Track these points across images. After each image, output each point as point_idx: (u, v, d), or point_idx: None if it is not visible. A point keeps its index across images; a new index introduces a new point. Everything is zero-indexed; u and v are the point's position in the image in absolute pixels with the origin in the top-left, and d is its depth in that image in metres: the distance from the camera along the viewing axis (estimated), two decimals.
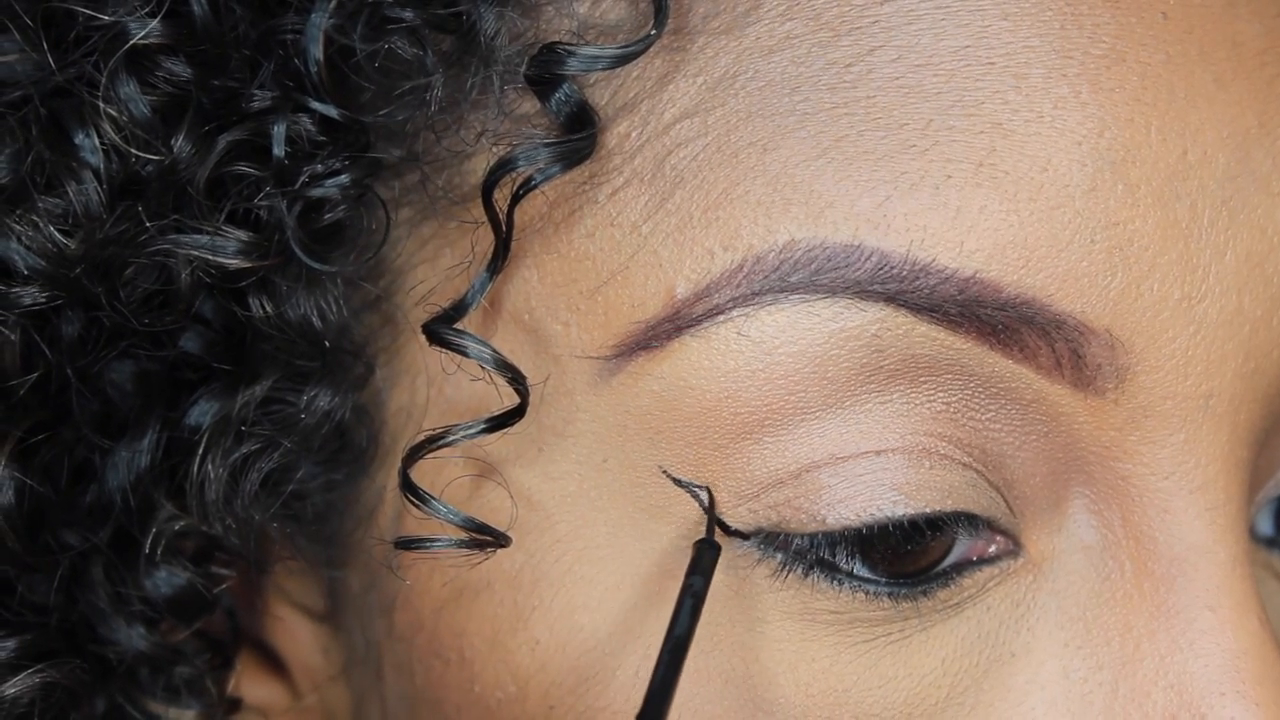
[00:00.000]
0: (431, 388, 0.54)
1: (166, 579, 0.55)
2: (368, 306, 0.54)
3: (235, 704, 0.58)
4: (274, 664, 0.60)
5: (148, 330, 0.52)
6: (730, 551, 0.51)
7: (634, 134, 0.51)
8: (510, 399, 0.51)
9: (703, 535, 0.51)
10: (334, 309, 0.53)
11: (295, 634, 0.59)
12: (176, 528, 0.54)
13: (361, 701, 0.59)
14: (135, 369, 0.54)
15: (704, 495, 0.51)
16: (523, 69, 0.50)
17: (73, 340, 0.52)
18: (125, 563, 0.55)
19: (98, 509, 0.54)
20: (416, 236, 0.53)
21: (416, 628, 0.55)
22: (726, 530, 0.51)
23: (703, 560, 0.49)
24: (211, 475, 0.53)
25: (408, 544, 0.52)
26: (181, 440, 0.54)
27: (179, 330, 0.53)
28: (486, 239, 0.52)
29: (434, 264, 0.53)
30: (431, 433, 0.51)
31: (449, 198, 0.53)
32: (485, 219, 0.51)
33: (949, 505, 0.51)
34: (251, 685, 0.60)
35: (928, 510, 0.50)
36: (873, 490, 0.50)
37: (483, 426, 0.51)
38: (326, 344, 0.52)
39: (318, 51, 0.50)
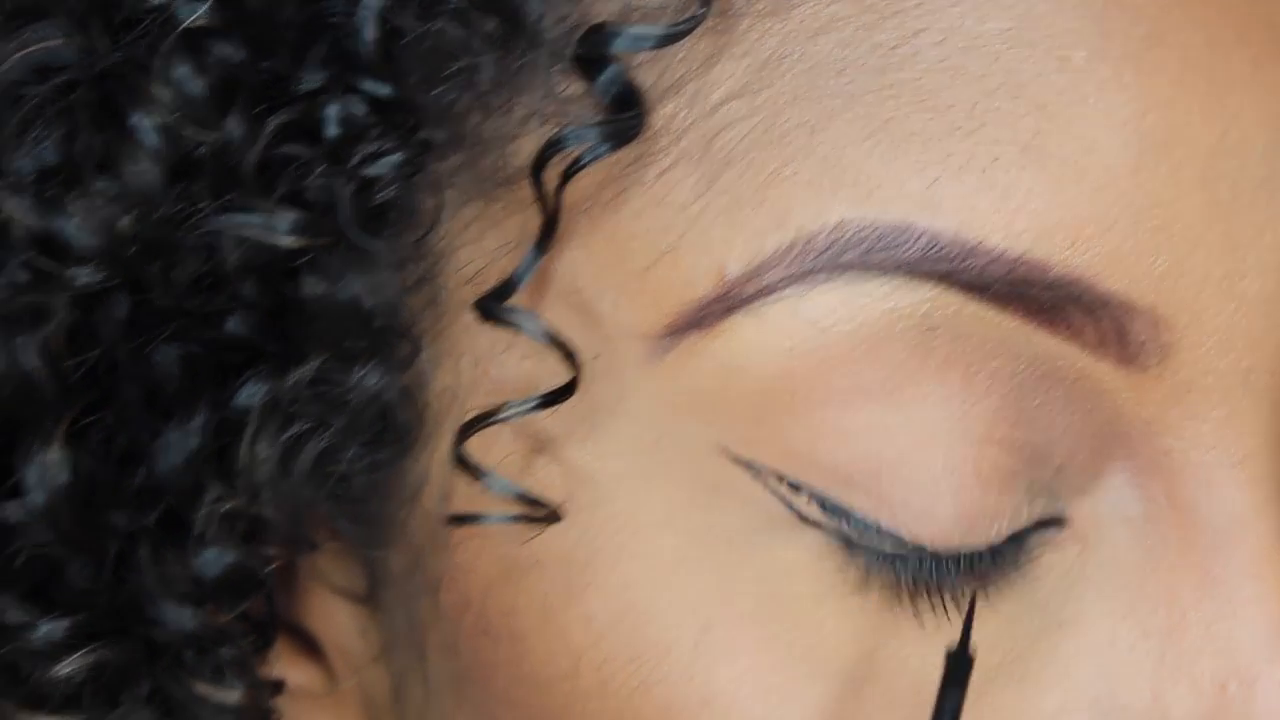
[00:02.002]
0: (477, 368, 0.54)
1: (215, 559, 0.55)
2: (411, 288, 0.55)
3: (279, 686, 0.59)
4: (309, 647, 0.61)
5: (196, 312, 0.53)
6: (797, 530, 0.52)
7: (681, 115, 0.51)
8: (559, 378, 0.52)
9: (761, 500, 0.52)
10: (383, 289, 0.53)
11: (332, 616, 0.60)
12: (225, 509, 0.54)
13: (401, 683, 0.59)
14: (182, 351, 0.54)
15: (774, 481, 0.51)
16: (570, 50, 0.51)
17: (121, 323, 0.53)
18: (173, 543, 0.55)
19: (146, 491, 0.55)
20: (459, 218, 0.54)
21: (464, 607, 0.55)
22: (802, 518, 0.51)
23: (958, 673, 0.50)
24: (262, 456, 0.53)
25: (460, 520, 0.52)
26: (230, 422, 0.54)
27: (225, 312, 0.54)
28: (532, 220, 0.52)
29: (478, 245, 0.54)
30: (484, 409, 0.52)
31: (493, 179, 0.53)
32: (532, 199, 0.52)
33: (1005, 532, 0.52)
34: (287, 668, 0.60)
35: (992, 541, 0.51)
36: (947, 521, 0.51)
37: (535, 402, 0.51)
38: (375, 323, 0.53)
39: (371, 31, 0.50)
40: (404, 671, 0.59)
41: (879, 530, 0.51)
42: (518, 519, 0.52)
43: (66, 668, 0.53)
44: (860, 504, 0.51)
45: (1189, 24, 0.51)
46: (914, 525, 0.51)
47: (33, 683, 0.54)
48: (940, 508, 0.51)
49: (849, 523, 0.51)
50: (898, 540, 0.51)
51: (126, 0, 0.51)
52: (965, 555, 0.52)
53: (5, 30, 0.51)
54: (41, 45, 0.51)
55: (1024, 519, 0.52)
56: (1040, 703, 0.52)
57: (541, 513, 0.52)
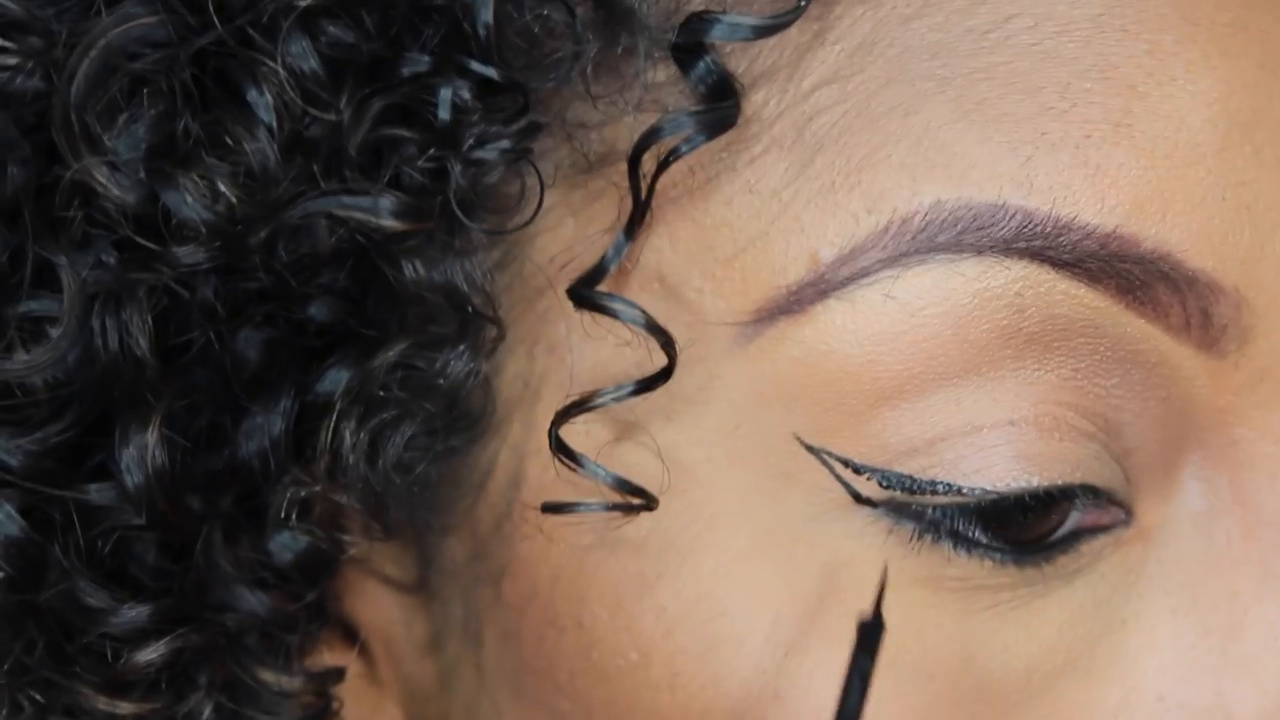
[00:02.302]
0: (552, 355, 0.54)
1: (290, 544, 0.55)
2: (495, 272, 0.54)
3: (340, 673, 0.58)
4: (349, 635, 0.60)
5: (285, 295, 0.52)
6: (861, 520, 0.52)
7: (772, 101, 0.51)
8: (641, 365, 0.52)
9: (832, 489, 0.52)
10: (474, 272, 0.53)
11: (376, 605, 0.59)
12: (303, 493, 0.54)
13: (451, 673, 0.59)
14: (268, 335, 0.53)
15: (840, 468, 0.51)
16: (669, 38, 0.51)
17: (210, 305, 0.52)
18: (248, 527, 0.54)
19: (226, 474, 0.54)
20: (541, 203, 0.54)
21: (530, 596, 0.55)
22: (858, 499, 0.52)
23: (869, 641, 0.49)
24: (348, 442, 0.53)
25: (555, 509, 0.52)
26: (313, 406, 0.54)
27: (312, 295, 0.53)
28: (614, 206, 0.52)
29: (556, 232, 0.54)
30: (577, 397, 0.51)
31: (579, 164, 0.53)
32: (616, 184, 0.52)
33: (1076, 477, 0.52)
34: (329, 656, 0.60)
35: (1059, 482, 0.51)
36: (1007, 462, 0.51)
37: (629, 389, 0.51)
38: (471, 308, 0.52)
39: (488, 14, 0.50)
40: (455, 661, 0.58)
41: (948, 517, 0.52)
42: (615, 507, 0.51)
43: (150, 654, 0.53)
44: (930, 490, 0.51)
45: (1270, 10, 0.52)
46: (974, 477, 0.51)
47: (115, 668, 0.53)
48: (997, 455, 0.51)
49: (918, 514, 0.52)
50: (961, 528, 0.52)
51: None
52: (1023, 544, 0.52)
53: (93, 8, 0.50)
54: (138, 21, 0.50)
55: (1084, 476, 0.52)
56: (1102, 700, 0.53)
57: (636, 500, 0.51)
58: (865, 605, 0.51)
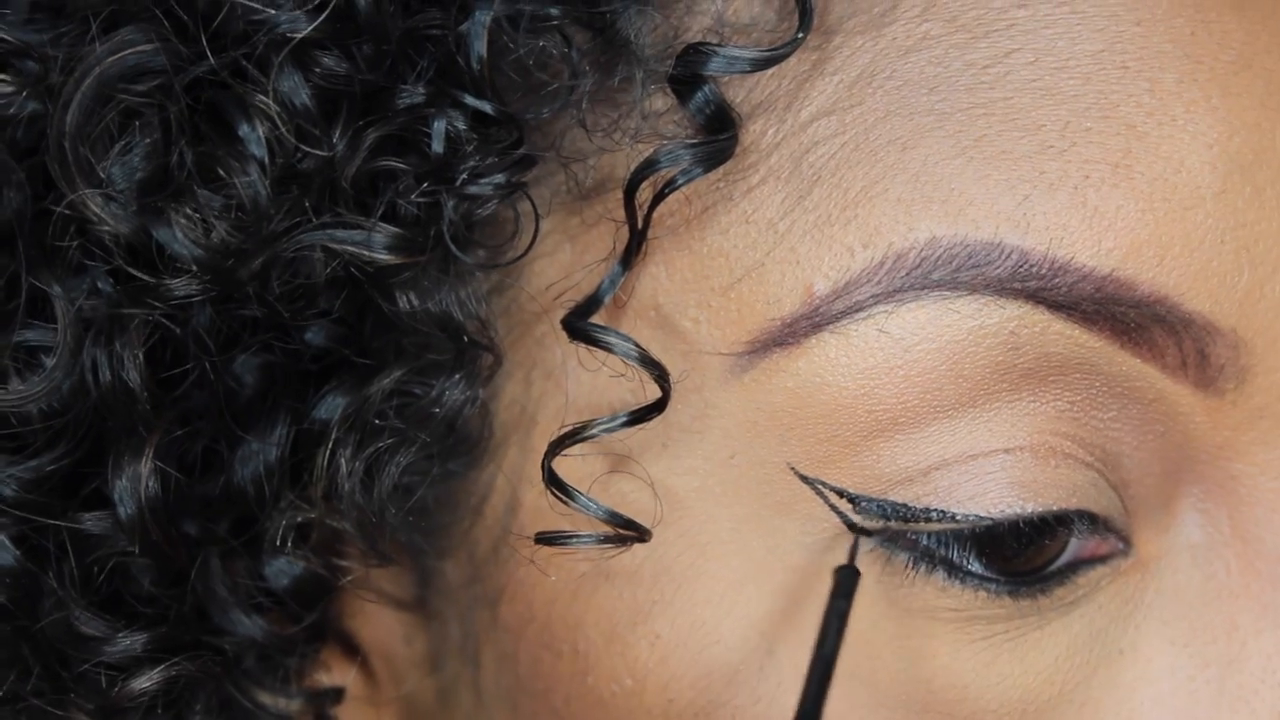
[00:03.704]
0: (548, 381, 0.54)
1: (286, 568, 0.55)
2: (490, 299, 0.54)
3: (339, 693, 0.58)
4: (349, 650, 0.60)
5: (280, 324, 0.52)
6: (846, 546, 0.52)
7: (770, 132, 0.51)
8: (637, 392, 0.51)
9: (827, 519, 0.52)
10: (470, 301, 0.53)
11: (376, 622, 0.59)
12: (300, 519, 0.54)
13: (450, 692, 0.59)
14: (262, 361, 0.53)
15: (835, 498, 0.51)
16: (666, 69, 0.51)
17: (205, 333, 0.52)
18: (243, 552, 0.55)
19: (221, 500, 0.54)
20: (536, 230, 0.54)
21: (526, 620, 0.55)
22: (853, 529, 0.51)
23: (845, 584, 0.50)
24: (345, 469, 0.53)
25: (549, 540, 0.52)
26: (309, 433, 0.54)
27: (307, 322, 0.53)
28: (610, 235, 0.52)
29: (552, 259, 0.53)
30: (570, 427, 0.51)
31: (574, 193, 0.53)
32: (611, 213, 0.52)
33: (1073, 504, 0.51)
34: (329, 672, 0.60)
35: (1055, 508, 0.51)
36: (1002, 488, 0.51)
37: (623, 420, 0.51)
38: (466, 337, 0.52)
39: (481, 47, 0.50)
40: (453, 680, 0.58)
41: (941, 545, 0.51)
42: (608, 540, 0.51)
43: (145, 682, 0.53)
44: (924, 518, 0.51)
45: (1274, 49, 0.52)
46: (968, 504, 0.51)
47: (111, 696, 0.53)
48: (992, 482, 0.51)
49: (912, 543, 0.52)
50: (955, 557, 0.51)
51: (239, 9, 0.50)
52: (1020, 574, 0.52)
53: (88, 32, 0.50)
54: (133, 49, 0.50)
55: (1080, 502, 0.51)
56: None
57: (629, 533, 0.51)
58: (859, 640, 0.52)
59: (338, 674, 0.60)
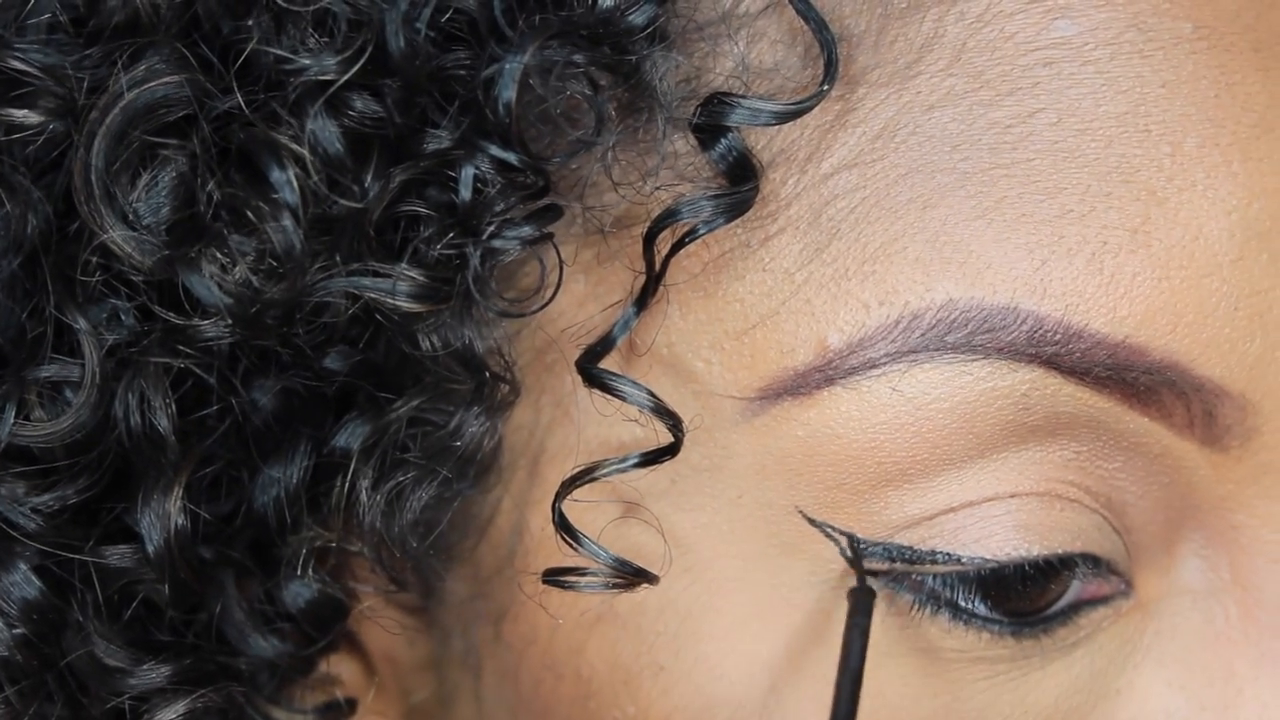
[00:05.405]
0: (558, 408, 0.54)
1: (302, 591, 0.55)
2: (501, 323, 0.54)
3: (353, 705, 0.59)
4: (353, 648, 0.60)
5: (302, 363, 0.52)
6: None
7: (790, 181, 0.51)
8: (649, 427, 0.51)
9: (834, 561, 0.52)
10: (489, 334, 0.53)
11: (380, 624, 0.60)
12: (318, 544, 0.54)
13: (453, 697, 0.59)
14: (282, 388, 0.53)
15: (843, 540, 0.52)
16: (687, 112, 0.51)
17: (227, 366, 0.52)
18: (259, 574, 0.55)
19: (241, 525, 0.54)
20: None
21: (529, 640, 0.55)
22: (859, 571, 0.52)
23: (863, 603, 0.51)
24: (365, 500, 0.53)
25: (556, 580, 0.52)
26: (329, 461, 0.54)
27: (328, 356, 0.53)
28: (626, 274, 0.52)
29: (567, 289, 0.53)
30: (580, 468, 0.52)
31: (592, 231, 0.53)
32: (627, 251, 0.52)
33: (1076, 546, 0.52)
34: (332, 666, 0.60)
35: (1060, 551, 0.52)
36: (1007, 532, 0.51)
37: (634, 462, 0.51)
38: (488, 372, 0.52)
39: (510, 95, 0.49)
40: (455, 688, 0.59)
41: (946, 587, 0.52)
42: (614, 585, 0.52)
43: (170, 714, 0.53)
44: (929, 561, 0.52)
45: None
46: (974, 547, 0.52)
47: None
48: (997, 526, 0.51)
49: (917, 585, 0.52)
50: (960, 599, 0.52)
51: (271, 56, 0.50)
52: (1023, 615, 0.52)
53: (112, 58, 0.50)
54: (160, 81, 0.49)
55: (1084, 545, 0.52)
56: None
57: (636, 579, 0.52)
58: (865, 669, 0.52)
59: (347, 683, 0.60)
